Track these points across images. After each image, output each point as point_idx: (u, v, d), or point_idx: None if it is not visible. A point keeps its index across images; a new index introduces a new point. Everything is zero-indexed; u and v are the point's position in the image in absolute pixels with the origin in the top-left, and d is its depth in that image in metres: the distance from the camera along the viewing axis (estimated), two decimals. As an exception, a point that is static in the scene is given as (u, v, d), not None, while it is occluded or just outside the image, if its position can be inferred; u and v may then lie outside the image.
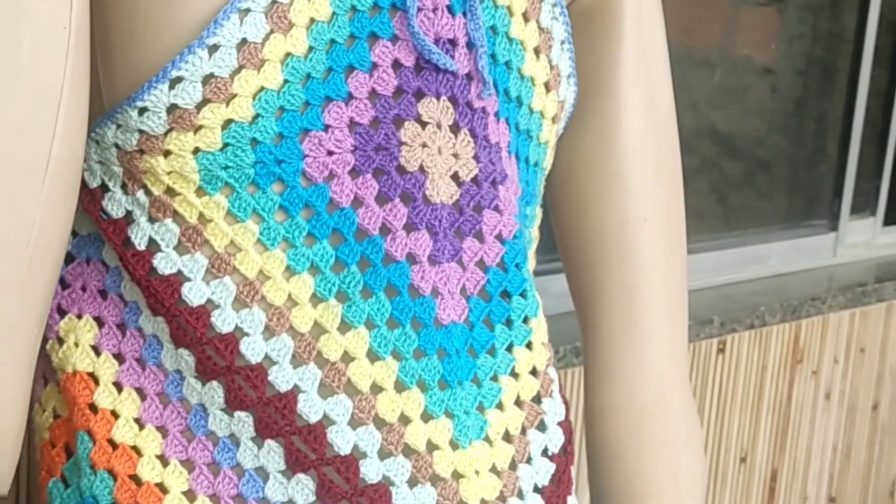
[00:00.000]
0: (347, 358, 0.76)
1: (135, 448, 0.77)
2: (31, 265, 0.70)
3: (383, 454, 0.76)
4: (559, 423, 0.86)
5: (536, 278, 0.92)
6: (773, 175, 2.12)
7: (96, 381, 0.78)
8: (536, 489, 0.83)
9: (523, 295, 0.84)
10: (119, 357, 0.78)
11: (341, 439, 0.76)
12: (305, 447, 0.75)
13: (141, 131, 0.74)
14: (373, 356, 0.77)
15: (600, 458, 0.96)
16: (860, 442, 1.90)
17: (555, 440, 0.85)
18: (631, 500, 0.95)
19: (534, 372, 0.85)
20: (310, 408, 0.75)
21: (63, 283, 0.80)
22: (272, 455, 0.75)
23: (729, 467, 1.68)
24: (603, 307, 0.95)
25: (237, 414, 0.75)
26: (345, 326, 0.76)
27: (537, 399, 0.85)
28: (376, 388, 0.77)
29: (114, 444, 0.77)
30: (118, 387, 0.78)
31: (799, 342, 1.74)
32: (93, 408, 0.78)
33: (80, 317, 0.79)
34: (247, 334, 0.75)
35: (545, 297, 0.91)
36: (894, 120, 2.22)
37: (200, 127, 0.74)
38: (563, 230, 0.96)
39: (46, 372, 0.81)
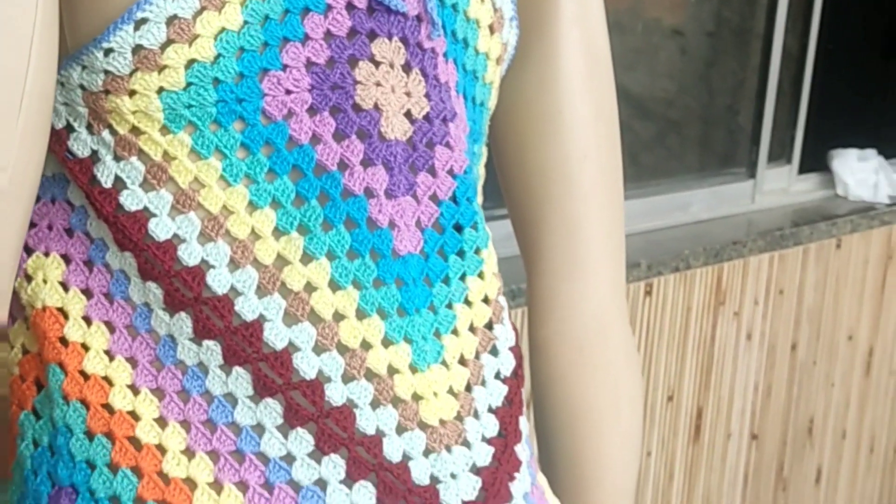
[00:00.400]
0: (310, 288, 0.80)
1: (106, 378, 0.79)
2: (7, 199, 0.72)
3: (347, 378, 0.80)
4: (510, 349, 0.90)
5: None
6: (695, 123, 2.18)
7: (66, 316, 0.80)
8: (491, 410, 0.87)
9: (475, 227, 0.88)
10: (87, 292, 0.81)
11: (306, 365, 0.79)
12: (272, 373, 0.78)
13: (106, 72, 0.76)
14: (334, 286, 0.80)
15: (545, 386, 1.01)
16: (780, 381, 1.98)
17: (507, 364, 0.90)
18: (574, 423, 1.00)
19: (486, 300, 0.89)
20: (275, 336, 0.78)
21: (30, 223, 0.82)
22: (240, 381, 0.79)
23: (657, 406, 1.74)
24: (545, 241, 1.00)
25: (205, 343, 0.78)
26: (307, 258, 0.80)
27: (489, 326, 0.89)
28: (338, 316, 0.80)
29: (85, 376, 0.79)
30: (87, 321, 0.80)
31: (721, 285, 1.80)
32: (63, 341, 0.80)
33: (47, 254, 0.81)
34: (213, 266, 0.78)
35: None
36: (807, 71, 2.29)
37: (164, 67, 0.76)
38: (506, 168, 1.00)
39: (14, 310, 0.83)
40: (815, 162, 2.32)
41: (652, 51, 2.06)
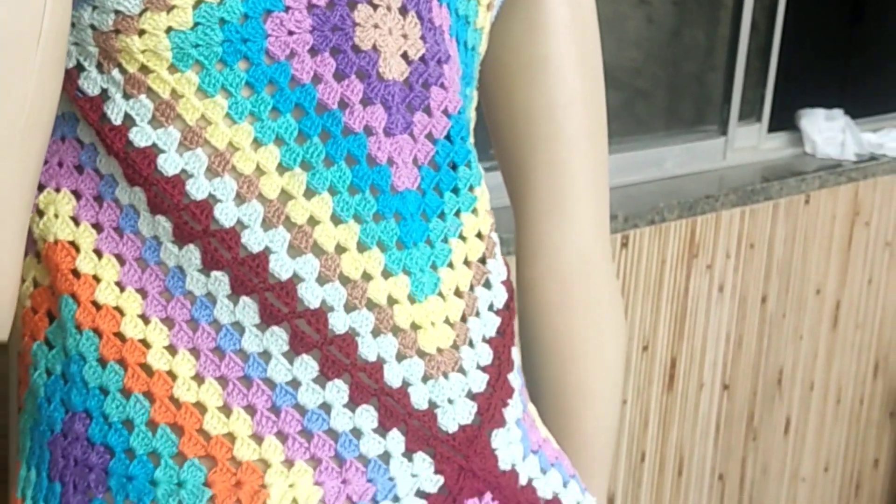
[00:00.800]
0: (313, 221, 0.83)
1: (117, 308, 0.83)
2: (25, 134, 0.76)
3: (349, 308, 0.83)
4: (502, 282, 0.94)
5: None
6: (666, 84, 2.23)
7: (77, 249, 0.83)
8: (485, 339, 0.91)
9: (468, 165, 0.92)
10: (97, 227, 0.84)
11: (311, 295, 0.82)
12: (278, 302, 0.82)
13: (117, 12, 0.79)
14: (336, 220, 0.84)
15: (532, 323, 1.05)
16: (750, 333, 2.03)
17: (499, 297, 0.93)
18: (559, 357, 1.04)
19: (479, 235, 0.93)
20: (281, 266, 0.82)
21: None
22: (247, 310, 0.82)
23: (633, 355, 1.78)
24: (532, 183, 1.04)
25: (213, 274, 0.81)
26: (310, 193, 0.83)
27: (483, 260, 0.93)
28: (340, 249, 0.84)
29: (97, 306, 0.83)
30: (98, 254, 0.83)
31: (695, 238, 1.85)
32: (75, 273, 0.83)
33: (58, 190, 0.84)
34: (220, 201, 0.81)
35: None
36: (776, 34, 2.33)
37: (173, 7, 0.79)
38: (494, 113, 1.04)
39: (26, 245, 0.86)
40: (784, 121, 2.37)
41: (620, 20, 2.10)
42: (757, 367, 2.06)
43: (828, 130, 2.35)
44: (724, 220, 1.90)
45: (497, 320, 0.93)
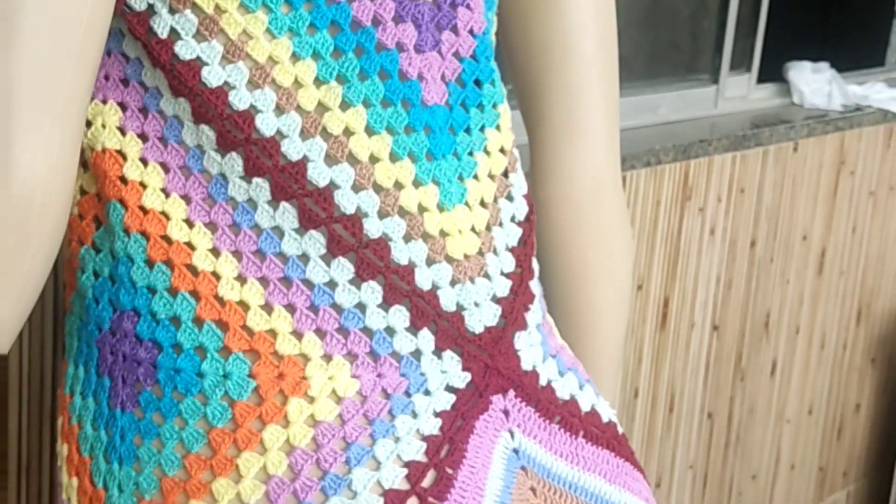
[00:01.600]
0: (348, 132, 0.88)
1: (163, 213, 0.87)
2: (84, 39, 0.80)
3: (382, 214, 0.88)
4: (524, 196, 0.99)
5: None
6: (663, 31, 2.27)
7: (124, 158, 0.88)
8: (508, 248, 0.96)
9: (492, 83, 0.97)
10: (143, 136, 0.88)
11: (346, 201, 0.87)
12: (316, 207, 0.86)
13: None
14: (370, 131, 0.88)
15: (545, 243, 1.09)
16: (740, 275, 2.08)
17: (521, 209, 0.98)
18: (571, 275, 1.09)
19: (502, 150, 0.97)
20: (318, 174, 0.86)
21: None
22: (287, 215, 0.87)
23: (627, 293, 1.84)
24: (546, 107, 1.08)
25: (255, 180, 0.86)
26: (345, 105, 0.88)
27: (505, 174, 0.98)
28: (374, 159, 0.88)
29: (144, 210, 0.87)
30: (144, 162, 0.88)
31: (688, 181, 1.90)
32: (123, 180, 0.88)
33: (104, 102, 0.89)
34: (260, 111, 0.86)
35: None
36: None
37: None
38: (511, 38, 1.08)
39: (72, 154, 0.90)
40: (772, 73, 2.42)
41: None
42: (745, 310, 2.11)
43: (815, 82, 2.41)
44: (717, 164, 1.95)
45: (519, 231, 0.98)
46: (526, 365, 0.94)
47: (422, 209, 0.90)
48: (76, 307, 0.92)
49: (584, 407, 0.98)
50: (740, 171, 2.02)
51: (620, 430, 1.02)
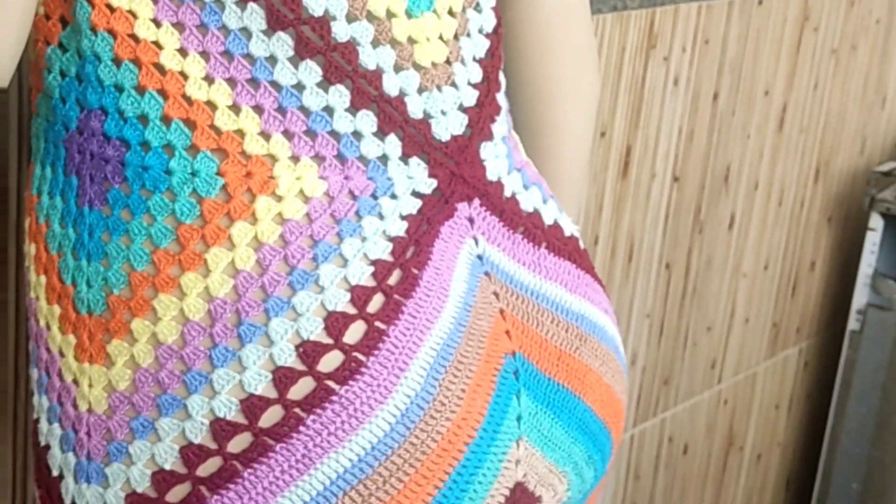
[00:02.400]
0: (318, -65, 0.87)
1: (130, 12, 0.87)
2: None
3: (350, 18, 0.88)
4: (492, 8, 0.99)
5: None
6: None
7: (90, -45, 0.87)
8: (475, 59, 0.97)
9: None
10: (109, -67, 0.87)
11: (314, 3, 0.87)
12: (284, 8, 0.86)
13: None
14: (340, -66, 0.88)
15: (512, 63, 1.10)
16: (702, 127, 2.10)
17: (489, 21, 0.99)
18: (538, 96, 1.10)
19: (471, -38, 0.97)
20: (286, -25, 0.86)
21: None
22: (255, 16, 0.86)
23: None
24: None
25: (223, -20, 0.86)
26: None
27: (474, -16, 0.98)
28: (342, -38, 0.88)
29: (111, 8, 0.87)
30: (110, -40, 0.87)
31: (653, 29, 1.90)
32: (89, -22, 0.87)
33: None
34: None
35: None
36: None
37: None
38: None
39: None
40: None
41: None
42: (706, 162, 2.13)
43: (782, -62, 2.40)
44: (682, 13, 1.95)
45: (486, 42, 0.98)
46: (491, 175, 0.95)
47: (390, 14, 0.90)
48: (42, 108, 0.92)
49: (548, 220, 1.00)
50: (705, 22, 2.02)
51: (582, 245, 1.04)
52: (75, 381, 0.88)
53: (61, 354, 0.89)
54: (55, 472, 0.89)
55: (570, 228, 1.02)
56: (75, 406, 0.87)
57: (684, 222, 2.14)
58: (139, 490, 0.84)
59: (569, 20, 1.09)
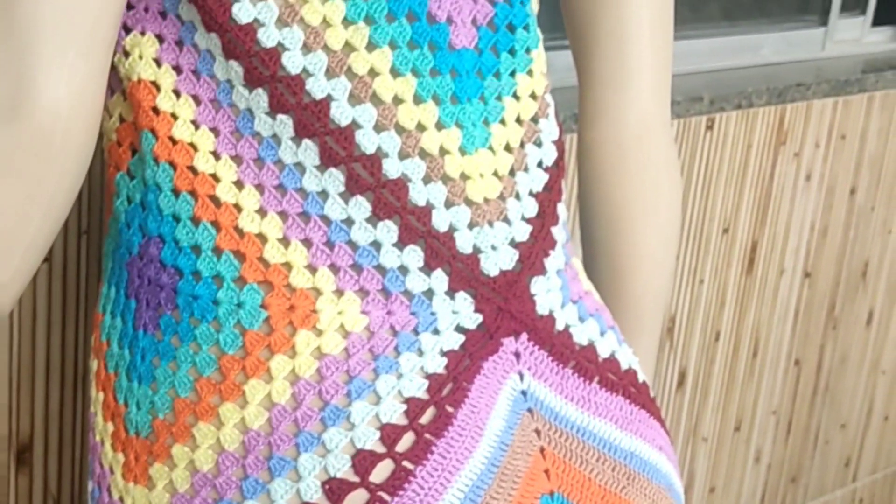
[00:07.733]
0: (373, 73, 0.89)
1: (192, 145, 0.90)
2: None
3: (402, 155, 0.90)
4: (553, 142, 1.00)
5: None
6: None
7: (158, 89, 0.91)
8: (531, 194, 0.97)
9: (526, 28, 0.97)
10: (177, 69, 0.91)
11: (367, 141, 0.89)
12: (337, 146, 0.89)
13: None
14: (395, 73, 0.90)
15: (590, 185, 1.10)
16: (836, 223, 2.05)
17: (549, 155, 0.99)
18: (614, 218, 1.09)
19: (533, 96, 0.98)
20: (341, 113, 0.88)
21: (128, 6, 0.92)
22: (308, 152, 0.89)
23: (712, 236, 1.82)
24: (596, 51, 1.08)
25: (279, 116, 0.88)
26: (371, 46, 0.89)
27: (535, 119, 0.98)
28: (397, 100, 0.90)
29: (174, 141, 0.90)
30: (177, 93, 0.91)
31: (783, 125, 1.87)
32: (155, 110, 0.91)
33: (143, 33, 0.92)
34: (287, 49, 0.88)
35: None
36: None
37: None
38: None
39: (113, 83, 0.94)
40: (889, 15, 2.34)
41: None
42: (841, 258, 2.08)
43: (937, 26, 2.33)
44: (816, 109, 1.91)
45: (545, 176, 0.98)
46: (541, 309, 0.95)
47: (443, 151, 0.91)
48: (112, 230, 0.96)
49: (603, 353, 0.99)
50: (842, 117, 1.97)
51: (642, 378, 1.03)
52: (121, 499, 0.91)
53: (111, 471, 0.92)
54: None
55: (628, 361, 1.01)
56: None
57: (816, 318, 2.08)
58: None
59: (646, 139, 1.09)
